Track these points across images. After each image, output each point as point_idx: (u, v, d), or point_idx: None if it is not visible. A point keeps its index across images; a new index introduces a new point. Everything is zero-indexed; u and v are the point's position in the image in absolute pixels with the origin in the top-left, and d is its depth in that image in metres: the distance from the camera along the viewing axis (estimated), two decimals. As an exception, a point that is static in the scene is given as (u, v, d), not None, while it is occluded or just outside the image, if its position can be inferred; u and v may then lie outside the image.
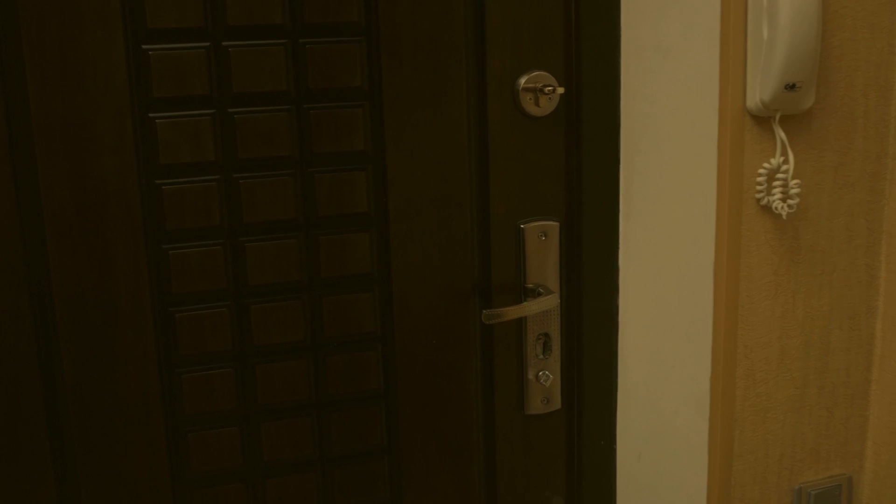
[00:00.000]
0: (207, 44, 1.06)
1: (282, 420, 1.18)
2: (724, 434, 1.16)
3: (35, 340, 1.06)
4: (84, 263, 1.06)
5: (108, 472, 1.12)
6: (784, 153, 1.08)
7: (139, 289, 1.08)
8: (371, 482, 1.23)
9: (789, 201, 1.07)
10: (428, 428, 1.24)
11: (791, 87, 1.03)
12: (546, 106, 1.18)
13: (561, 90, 1.18)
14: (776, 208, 1.07)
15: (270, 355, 1.16)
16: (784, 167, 1.08)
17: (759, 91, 1.04)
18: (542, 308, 1.21)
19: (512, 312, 1.18)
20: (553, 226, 1.22)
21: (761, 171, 1.08)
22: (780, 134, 1.07)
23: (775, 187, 1.08)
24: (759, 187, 1.08)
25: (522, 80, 1.17)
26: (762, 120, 1.07)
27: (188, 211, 1.09)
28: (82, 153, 1.03)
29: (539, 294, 1.22)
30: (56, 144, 1.02)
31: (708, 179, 1.09)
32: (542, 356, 1.25)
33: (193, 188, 1.08)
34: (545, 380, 1.26)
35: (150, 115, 1.06)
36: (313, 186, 1.13)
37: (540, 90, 1.17)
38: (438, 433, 1.24)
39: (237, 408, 1.16)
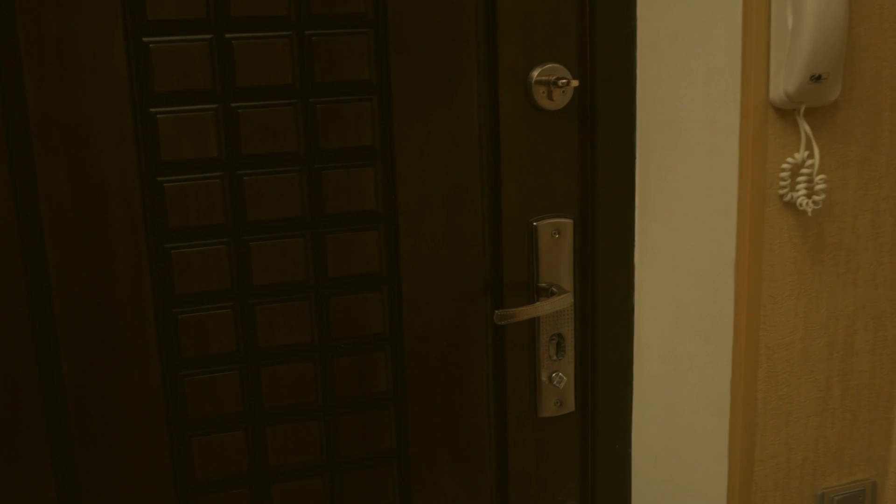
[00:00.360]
0: (210, 36, 1.02)
1: (288, 424, 1.15)
2: (745, 438, 1.13)
3: (34, 343, 1.03)
4: (84, 263, 1.03)
5: (110, 477, 1.09)
6: (809, 147, 1.04)
7: (140, 289, 1.05)
8: (379, 487, 1.20)
9: (815, 197, 1.04)
10: (438, 431, 1.21)
11: (817, 78, 0.99)
12: (559, 99, 1.15)
13: (575, 83, 1.14)
14: (801, 205, 1.03)
15: (276, 357, 1.12)
16: (809, 162, 1.04)
17: (783, 83, 1.00)
18: (556, 308, 1.18)
19: (525, 313, 1.15)
20: (567, 223, 1.19)
21: (785, 165, 1.04)
22: (805, 127, 1.04)
23: (799, 183, 1.04)
24: (782, 183, 1.05)
25: (535, 73, 1.13)
26: (786, 113, 1.03)
27: (191, 209, 1.06)
28: (81, 149, 1.00)
29: (552, 293, 1.18)
30: (54, 141, 0.99)
31: (729, 175, 1.06)
32: (555, 357, 1.22)
33: (196, 185, 1.05)
34: (558, 381, 1.22)
35: (151, 109, 1.02)
36: (320, 183, 1.09)
37: (553, 83, 1.13)
38: (449, 436, 1.21)
39: (242, 411, 1.12)
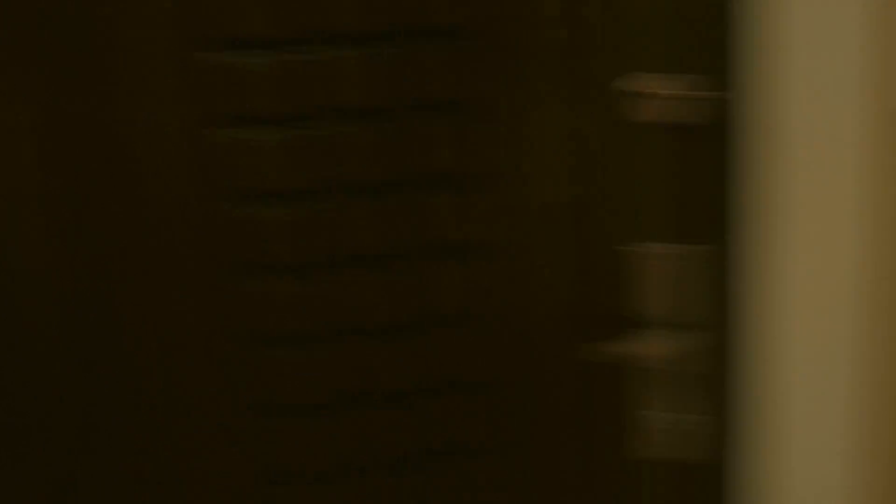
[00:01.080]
0: (275, 54, 0.96)
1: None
2: (906, 500, 0.96)
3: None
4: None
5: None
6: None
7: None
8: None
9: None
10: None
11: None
12: (664, 113, 1.02)
13: (680, 95, 1.02)
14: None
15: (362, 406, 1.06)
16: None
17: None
18: (677, 344, 1.08)
19: (640, 348, 1.07)
20: (680, 249, 1.08)
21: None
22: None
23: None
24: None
25: (633, 85, 1.02)
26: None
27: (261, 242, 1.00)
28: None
29: (671, 327, 1.08)
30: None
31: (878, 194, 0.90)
32: (679, 400, 1.10)
33: (264, 217, 0.99)
34: (680, 426, 1.11)
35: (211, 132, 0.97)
36: (399, 213, 1.02)
37: (654, 95, 1.02)
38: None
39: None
